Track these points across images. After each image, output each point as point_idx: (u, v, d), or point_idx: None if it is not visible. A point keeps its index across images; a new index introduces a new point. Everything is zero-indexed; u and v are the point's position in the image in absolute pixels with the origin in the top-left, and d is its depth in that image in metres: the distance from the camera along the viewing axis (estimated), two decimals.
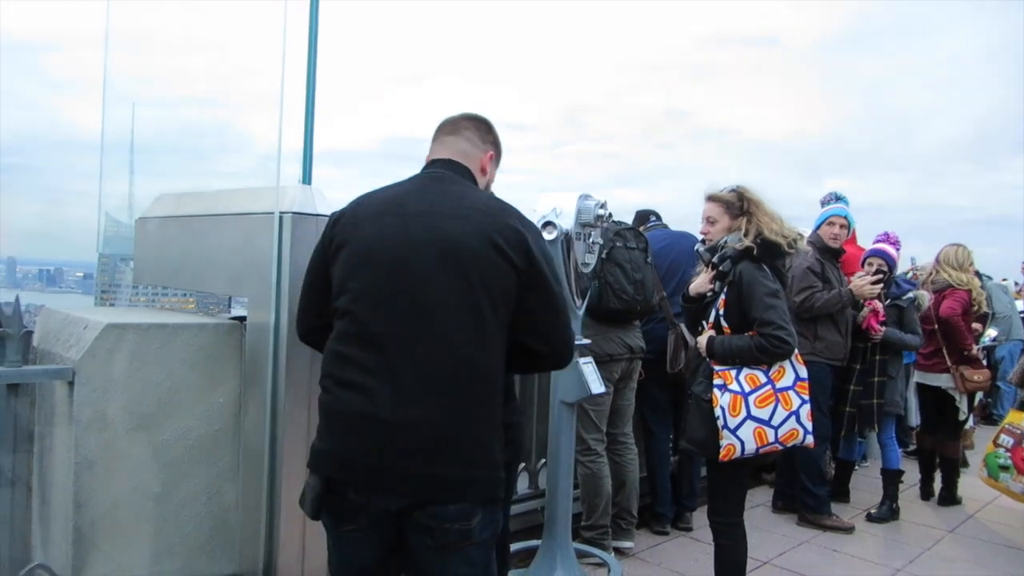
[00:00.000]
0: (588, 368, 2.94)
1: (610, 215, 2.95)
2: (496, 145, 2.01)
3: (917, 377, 4.99)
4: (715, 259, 2.75)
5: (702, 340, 2.75)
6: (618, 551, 3.59)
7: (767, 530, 4.21)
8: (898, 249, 4.64)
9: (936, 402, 4.88)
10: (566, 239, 2.82)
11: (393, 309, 1.69)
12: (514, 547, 3.16)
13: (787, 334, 2.59)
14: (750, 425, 2.59)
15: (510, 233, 1.73)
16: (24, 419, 2.45)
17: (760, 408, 2.61)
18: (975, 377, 4.73)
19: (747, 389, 2.62)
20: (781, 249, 2.71)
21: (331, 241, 1.81)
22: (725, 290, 2.71)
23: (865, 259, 4.53)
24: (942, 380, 4.81)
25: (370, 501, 1.70)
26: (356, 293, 1.73)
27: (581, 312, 2.99)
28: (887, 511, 4.51)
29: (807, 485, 4.30)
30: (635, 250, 3.54)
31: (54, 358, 2.35)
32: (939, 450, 4.97)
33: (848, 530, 4.22)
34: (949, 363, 4.75)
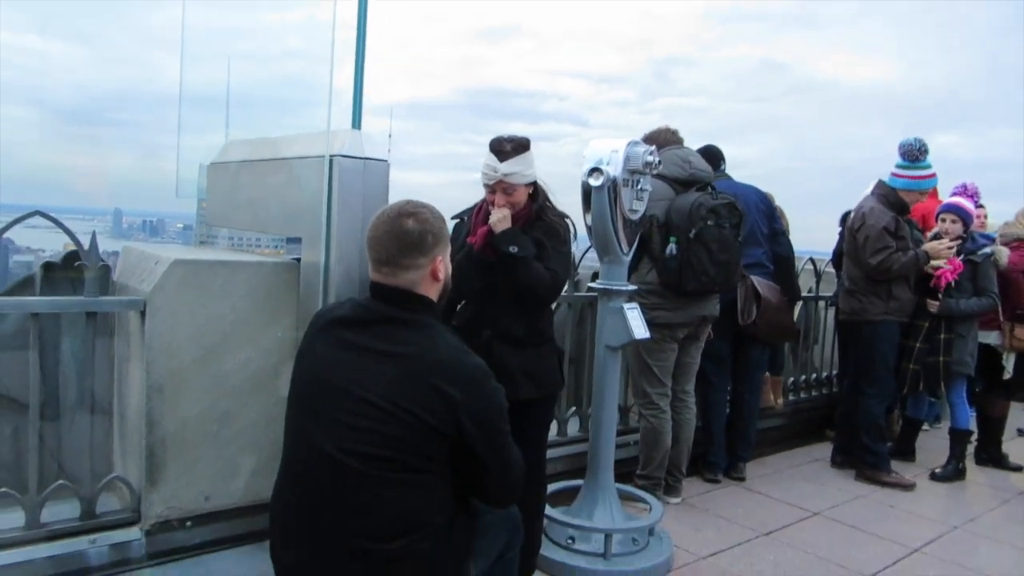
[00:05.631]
0: (633, 314, 2.97)
1: (659, 163, 2.94)
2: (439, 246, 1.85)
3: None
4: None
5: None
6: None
7: (822, 483, 4.19)
8: (976, 202, 4.44)
9: (986, 359, 4.63)
10: (613, 186, 2.84)
11: None
12: (558, 486, 3.27)
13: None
14: None
15: None
16: (104, 345, 2.69)
17: None
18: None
19: None
20: None
21: None
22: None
23: (939, 214, 4.36)
24: (992, 337, 4.60)
25: None
26: None
27: (628, 259, 3.02)
28: (952, 471, 4.40)
29: (866, 442, 4.24)
30: (726, 228, 3.44)
31: (129, 291, 2.55)
32: (985, 409, 4.74)
33: (907, 487, 4.15)
34: (1002, 318, 4.51)
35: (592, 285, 3.08)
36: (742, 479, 4.11)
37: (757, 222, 4.04)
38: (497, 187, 2.41)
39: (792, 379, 5.11)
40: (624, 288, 2.99)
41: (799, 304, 4.91)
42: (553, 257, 2.49)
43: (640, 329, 2.97)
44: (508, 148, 2.40)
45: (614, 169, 2.83)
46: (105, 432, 2.69)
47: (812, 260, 5.11)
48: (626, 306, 2.97)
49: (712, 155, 4.14)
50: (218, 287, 2.52)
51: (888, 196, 4.14)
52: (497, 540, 1.94)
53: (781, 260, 4.17)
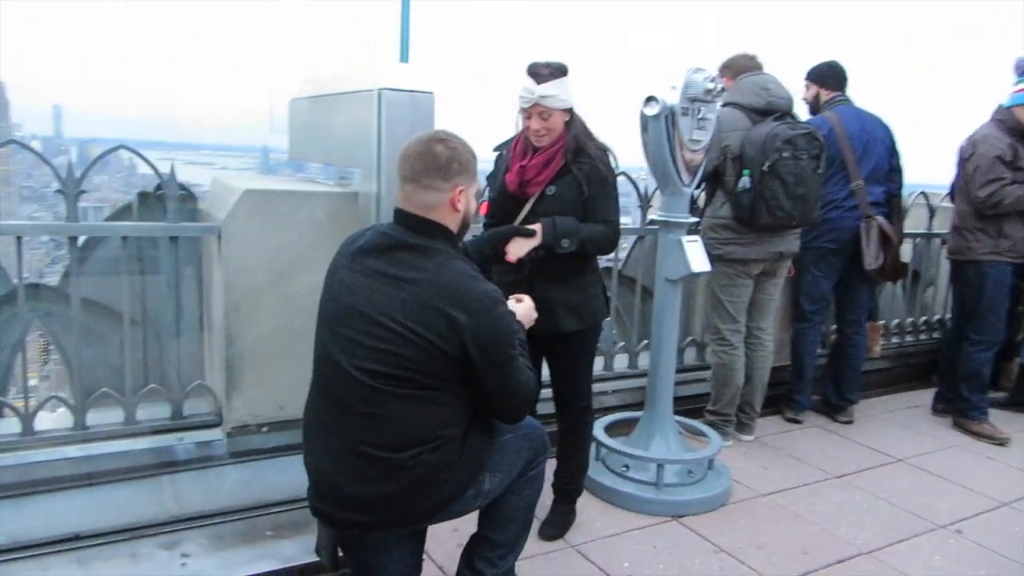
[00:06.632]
0: (692, 247, 2.94)
1: (722, 89, 2.84)
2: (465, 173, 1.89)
3: None
4: None
5: None
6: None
7: (916, 430, 3.99)
8: None
9: None
10: (670, 115, 2.78)
11: None
12: (617, 416, 3.33)
13: None
14: None
15: None
16: (194, 267, 2.98)
17: None
18: None
19: None
20: None
21: None
22: None
23: None
24: None
25: None
26: None
27: (689, 190, 2.97)
28: None
29: (962, 391, 3.98)
30: (804, 159, 3.27)
31: (211, 218, 2.80)
32: None
33: (1000, 441, 3.86)
34: None
35: (652, 217, 3.06)
36: (850, 422, 3.99)
37: (882, 156, 3.80)
38: (533, 111, 2.38)
39: (897, 321, 4.84)
40: (684, 220, 2.95)
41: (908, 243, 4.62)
42: (602, 207, 2.45)
43: (699, 262, 2.93)
44: (546, 71, 2.37)
45: (672, 97, 2.77)
46: (195, 345, 2.99)
47: (924, 195, 4.76)
48: (685, 239, 2.94)
49: (836, 73, 3.87)
50: (287, 214, 2.72)
51: (1006, 120, 3.76)
52: (518, 457, 2.03)
53: (893, 199, 3.91)
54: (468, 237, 2.11)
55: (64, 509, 2.38)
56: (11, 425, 2.48)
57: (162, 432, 2.67)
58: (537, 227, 2.37)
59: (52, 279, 3.31)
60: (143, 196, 2.88)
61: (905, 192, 4.27)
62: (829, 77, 3.85)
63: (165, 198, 2.61)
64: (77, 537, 2.31)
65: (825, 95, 3.84)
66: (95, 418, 2.59)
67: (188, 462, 2.65)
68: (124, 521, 2.38)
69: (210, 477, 2.63)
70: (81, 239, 2.64)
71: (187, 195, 2.77)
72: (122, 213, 2.97)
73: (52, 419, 2.57)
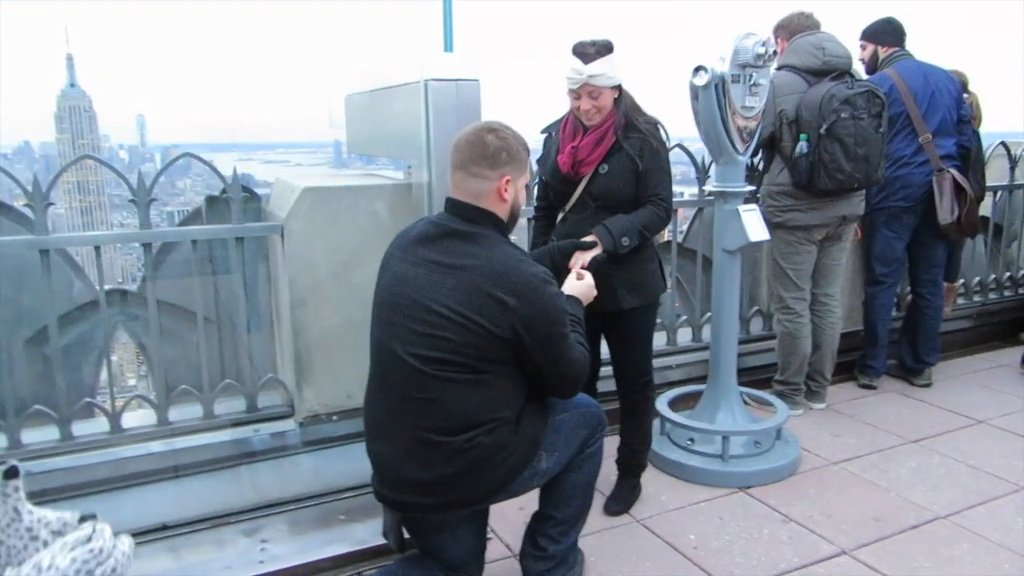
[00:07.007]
0: (750, 216, 2.89)
1: (773, 53, 2.77)
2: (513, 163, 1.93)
3: None
4: None
5: None
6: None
7: (999, 391, 3.84)
8: None
9: None
10: (720, 83, 2.73)
11: None
12: (681, 390, 3.31)
13: None
14: None
15: None
16: (262, 266, 3.10)
17: None
18: None
19: None
20: None
21: None
22: None
23: None
24: None
25: None
26: None
27: (744, 159, 2.91)
28: None
29: None
30: (864, 119, 3.17)
31: (274, 217, 2.90)
32: None
33: None
34: None
35: (708, 188, 3.02)
36: (928, 385, 3.88)
37: (949, 109, 3.66)
38: (582, 91, 2.38)
39: (979, 278, 4.64)
40: (740, 189, 2.90)
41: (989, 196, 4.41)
42: (655, 182, 2.44)
43: (757, 231, 2.89)
44: (592, 51, 2.36)
45: (721, 65, 2.72)
46: (267, 341, 3.12)
47: (1005, 144, 4.52)
48: (742, 208, 2.89)
49: (893, 29, 3.74)
50: (344, 209, 2.79)
51: None
52: (574, 436, 2.06)
53: (964, 151, 3.75)
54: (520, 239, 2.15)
55: (152, 501, 2.54)
56: (100, 424, 2.65)
57: (239, 425, 2.80)
58: (591, 238, 2.39)
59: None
60: (211, 200, 3.01)
61: (985, 143, 4.10)
62: (886, 33, 3.71)
63: (230, 200, 2.72)
64: (165, 527, 2.46)
65: (883, 52, 3.71)
66: (176, 414, 2.74)
67: (264, 452, 2.78)
68: (207, 510, 2.53)
69: (285, 466, 2.75)
70: (156, 245, 2.78)
71: (250, 196, 2.88)
72: (193, 218, 3.11)
73: (137, 417, 2.73)
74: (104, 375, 3.07)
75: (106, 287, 2.80)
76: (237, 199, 2.73)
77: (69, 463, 2.53)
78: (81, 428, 2.63)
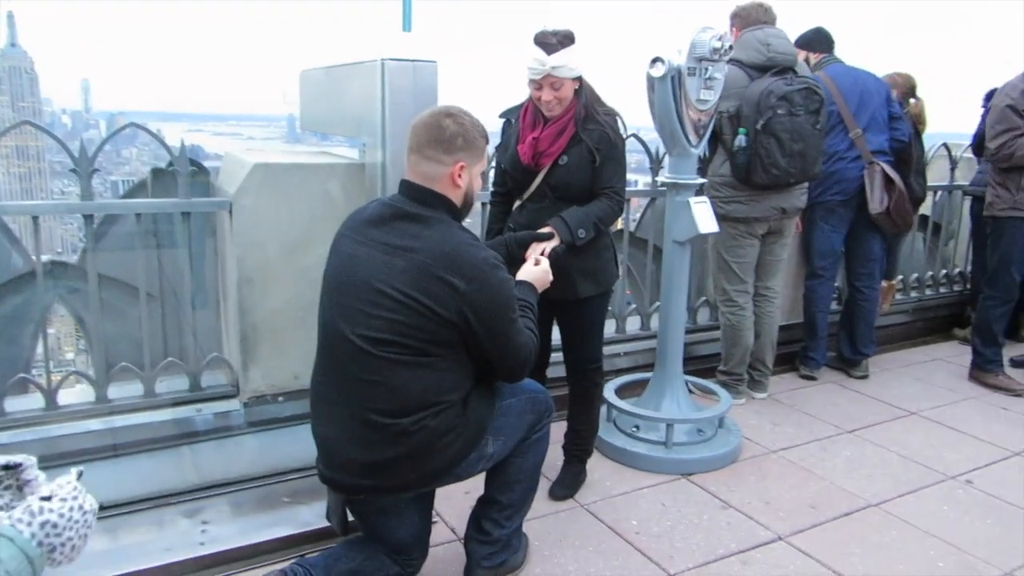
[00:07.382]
0: (700, 208, 2.93)
1: (729, 48, 2.80)
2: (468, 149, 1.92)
3: None
4: None
5: None
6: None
7: (932, 384, 3.99)
8: None
9: None
10: (677, 76, 2.75)
11: None
12: (628, 378, 3.36)
13: None
14: None
15: None
16: (208, 242, 3.03)
17: None
18: None
19: None
20: None
21: None
22: None
23: None
24: None
25: None
26: None
27: (697, 151, 2.95)
28: None
29: (976, 343, 4.00)
30: (801, 115, 3.23)
31: (223, 192, 2.83)
32: None
33: (1017, 392, 3.85)
34: None
35: (660, 179, 3.05)
36: (865, 376, 4.01)
37: (878, 106, 3.77)
38: (544, 82, 2.37)
39: (916, 275, 4.80)
40: (691, 181, 2.94)
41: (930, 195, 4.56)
42: (609, 174, 2.45)
43: (707, 223, 2.93)
44: (554, 41, 2.35)
45: (678, 57, 2.75)
46: (212, 318, 3.06)
47: (946, 146, 4.67)
48: (692, 200, 2.93)
49: (822, 37, 3.89)
50: (295, 187, 2.74)
51: None
52: (521, 421, 2.08)
53: (898, 145, 3.86)
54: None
55: (89, 481, 2.46)
56: (35, 400, 2.57)
57: (181, 404, 2.74)
58: (548, 230, 2.39)
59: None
60: (156, 172, 2.93)
61: (927, 144, 4.22)
62: (817, 41, 3.90)
63: (176, 174, 2.65)
64: (102, 507, 2.39)
65: (815, 58, 3.86)
66: (116, 392, 2.67)
67: (207, 432, 2.72)
68: (147, 490, 2.47)
69: (229, 446, 2.71)
70: (98, 217, 2.70)
71: (198, 170, 2.81)
72: (138, 190, 3.02)
73: (75, 394, 2.65)
74: (40, 349, 2.97)
75: (44, 258, 2.71)
76: (184, 173, 2.65)
77: (1, 440, 2.45)
78: (14, 404, 2.54)
